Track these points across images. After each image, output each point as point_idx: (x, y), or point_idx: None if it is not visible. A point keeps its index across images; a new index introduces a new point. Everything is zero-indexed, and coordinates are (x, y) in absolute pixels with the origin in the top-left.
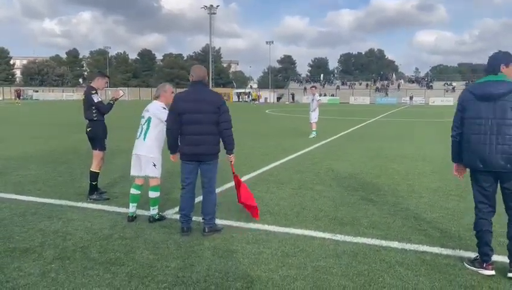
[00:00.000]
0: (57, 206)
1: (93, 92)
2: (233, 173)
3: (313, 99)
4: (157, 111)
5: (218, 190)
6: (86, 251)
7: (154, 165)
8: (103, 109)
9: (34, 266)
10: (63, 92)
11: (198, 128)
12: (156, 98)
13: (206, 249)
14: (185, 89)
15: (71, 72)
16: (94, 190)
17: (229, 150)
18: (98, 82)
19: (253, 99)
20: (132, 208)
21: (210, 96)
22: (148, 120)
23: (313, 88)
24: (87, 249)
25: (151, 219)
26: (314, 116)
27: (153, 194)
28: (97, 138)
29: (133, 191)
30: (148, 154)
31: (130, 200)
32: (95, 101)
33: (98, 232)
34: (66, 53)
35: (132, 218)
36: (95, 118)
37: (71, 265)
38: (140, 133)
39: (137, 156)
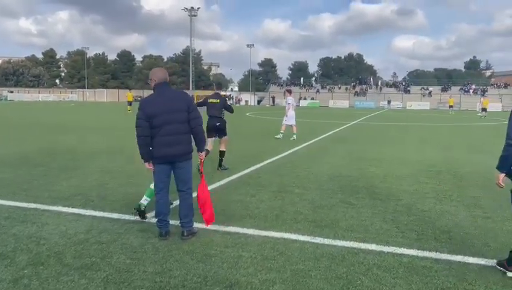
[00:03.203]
0: (31, 210)
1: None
2: (201, 171)
3: (287, 103)
4: None
5: (194, 194)
6: (60, 256)
7: None
8: (230, 109)
9: (6, 271)
10: (39, 93)
11: (173, 129)
12: None
13: (184, 253)
14: (149, 94)
15: (48, 73)
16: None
17: (201, 147)
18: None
19: None
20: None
21: (179, 95)
22: None
23: (286, 91)
24: (62, 254)
25: (140, 207)
26: (286, 119)
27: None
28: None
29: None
30: None
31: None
32: (229, 103)
33: (73, 237)
34: (43, 53)
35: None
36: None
37: (45, 271)
38: None
39: None
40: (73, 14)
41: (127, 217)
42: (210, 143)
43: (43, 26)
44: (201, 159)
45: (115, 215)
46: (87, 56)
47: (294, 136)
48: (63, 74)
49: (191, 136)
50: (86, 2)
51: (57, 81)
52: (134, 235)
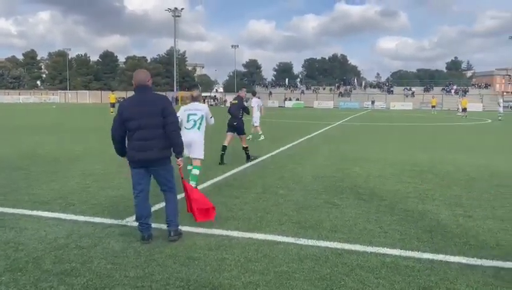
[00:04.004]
0: (10, 215)
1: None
2: (182, 178)
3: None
4: (207, 110)
5: (178, 197)
6: (39, 262)
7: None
8: (246, 110)
9: None
10: (19, 94)
11: (144, 134)
12: (195, 99)
13: (167, 257)
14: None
15: (28, 74)
16: (248, 155)
17: (178, 152)
18: (243, 93)
19: None
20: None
21: (153, 99)
22: (202, 117)
23: (251, 93)
24: (41, 259)
25: None
26: (255, 121)
27: (196, 172)
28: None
29: (194, 171)
30: (201, 140)
31: (193, 179)
32: (246, 105)
33: (53, 242)
34: (23, 54)
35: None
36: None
37: (23, 277)
38: (194, 125)
39: (189, 143)
40: (55, 14)
41: (108, 221)
42: (228, 138)
43: (23, 27)
44: (179, 164)
45: (97, 219)
46: (69, 57)
47: (250, 136)
48: (44, 75)
49: (168, 141)
50: (67, 3)
51: (38, 82)
52: (115, 240)
